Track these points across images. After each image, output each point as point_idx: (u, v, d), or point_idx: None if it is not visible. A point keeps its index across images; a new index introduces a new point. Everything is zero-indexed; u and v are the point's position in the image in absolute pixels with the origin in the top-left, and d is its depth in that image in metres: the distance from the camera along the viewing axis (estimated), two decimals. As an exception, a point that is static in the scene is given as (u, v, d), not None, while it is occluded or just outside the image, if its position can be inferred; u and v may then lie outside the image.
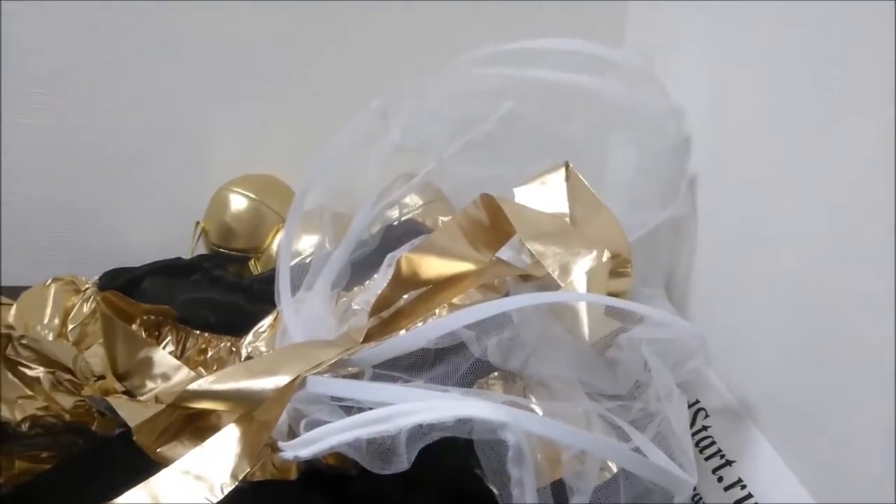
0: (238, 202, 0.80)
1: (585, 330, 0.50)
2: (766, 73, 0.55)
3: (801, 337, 0.51)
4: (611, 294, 0.57)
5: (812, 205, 0.49)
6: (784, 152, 0.52)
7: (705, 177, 0.63)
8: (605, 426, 0.51)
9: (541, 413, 0.48)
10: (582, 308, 0.51)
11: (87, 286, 0.74)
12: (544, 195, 0.58)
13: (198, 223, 0.81)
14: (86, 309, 0.73)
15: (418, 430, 0.41)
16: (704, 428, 0.57)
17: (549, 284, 0.53)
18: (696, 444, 0.56)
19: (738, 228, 0.58)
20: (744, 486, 0.52)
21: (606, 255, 0.52)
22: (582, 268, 0.51)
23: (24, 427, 0.55)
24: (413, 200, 0.78)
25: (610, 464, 0.49)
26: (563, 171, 0.59)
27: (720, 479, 0.53)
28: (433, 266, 0.53)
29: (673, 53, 0.70)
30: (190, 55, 0.83)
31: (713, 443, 0.56)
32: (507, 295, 0.56)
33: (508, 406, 0.42)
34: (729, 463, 0.54)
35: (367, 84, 0.83)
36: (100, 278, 0.74)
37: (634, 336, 0.51)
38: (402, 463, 0.42)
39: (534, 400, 0.51)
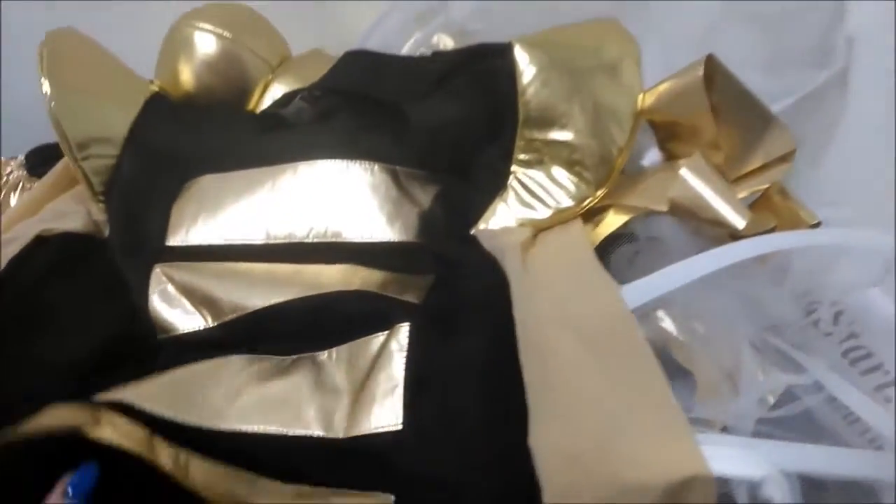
0: (206, 44, 0.58)
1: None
2: None
3: None
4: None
5: None
6: None
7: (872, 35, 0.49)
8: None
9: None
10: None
11: (10, 169, 0.55)
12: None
13: (151, 82, 0.58)
14: (12, 200, 0.55)
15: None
16: (853, 335, 0.49)
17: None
18: (844, 355, 0.48)
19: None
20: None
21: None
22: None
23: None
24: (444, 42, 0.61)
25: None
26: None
27: (888, 401, 0.46)
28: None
29: None
30: None
31: (869, 354, 0.48)
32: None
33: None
34: (897, 381, 0.47)
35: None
36: (26, 157, 0.55)
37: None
38: None
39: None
